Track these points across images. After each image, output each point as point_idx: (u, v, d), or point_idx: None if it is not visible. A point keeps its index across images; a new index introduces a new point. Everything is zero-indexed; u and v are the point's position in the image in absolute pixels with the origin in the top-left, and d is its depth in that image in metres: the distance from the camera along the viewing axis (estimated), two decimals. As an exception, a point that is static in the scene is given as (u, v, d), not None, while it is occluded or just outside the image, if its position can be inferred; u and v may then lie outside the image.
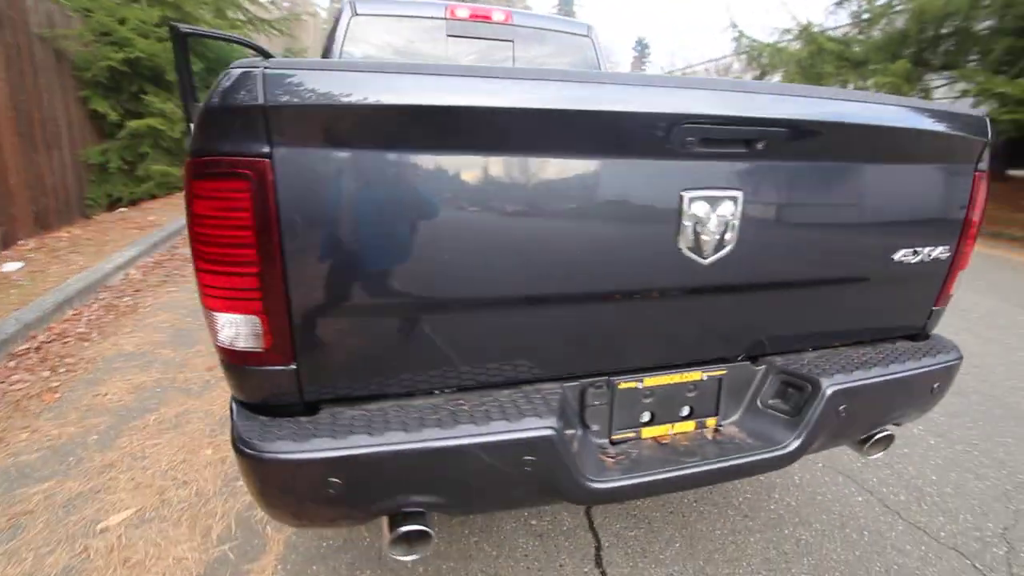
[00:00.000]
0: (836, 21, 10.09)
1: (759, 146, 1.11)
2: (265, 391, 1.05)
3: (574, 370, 1.24)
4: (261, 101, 0.85)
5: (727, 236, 1.15)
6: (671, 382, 1.32)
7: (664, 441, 1.33)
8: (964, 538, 1.93)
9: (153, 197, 7.35)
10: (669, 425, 1.35)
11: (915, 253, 1.39)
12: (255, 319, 0.97)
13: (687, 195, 1.10)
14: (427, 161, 0.97)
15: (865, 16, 9.25)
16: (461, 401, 1.13)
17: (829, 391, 1.30)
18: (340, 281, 0.98)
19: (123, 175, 6.71)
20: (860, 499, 2.12)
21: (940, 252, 1.42)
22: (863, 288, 1.42)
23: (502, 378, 1.19)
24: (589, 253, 1.10)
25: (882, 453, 1.54)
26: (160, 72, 6.77)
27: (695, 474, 1.23)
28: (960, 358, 1.53)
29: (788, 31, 10.31)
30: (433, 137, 0.95)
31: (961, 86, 7.73)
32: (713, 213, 1.13)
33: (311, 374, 1.03)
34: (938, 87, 8.71)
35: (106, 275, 4.12)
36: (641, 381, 1.29)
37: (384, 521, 1.11)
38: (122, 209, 6.63)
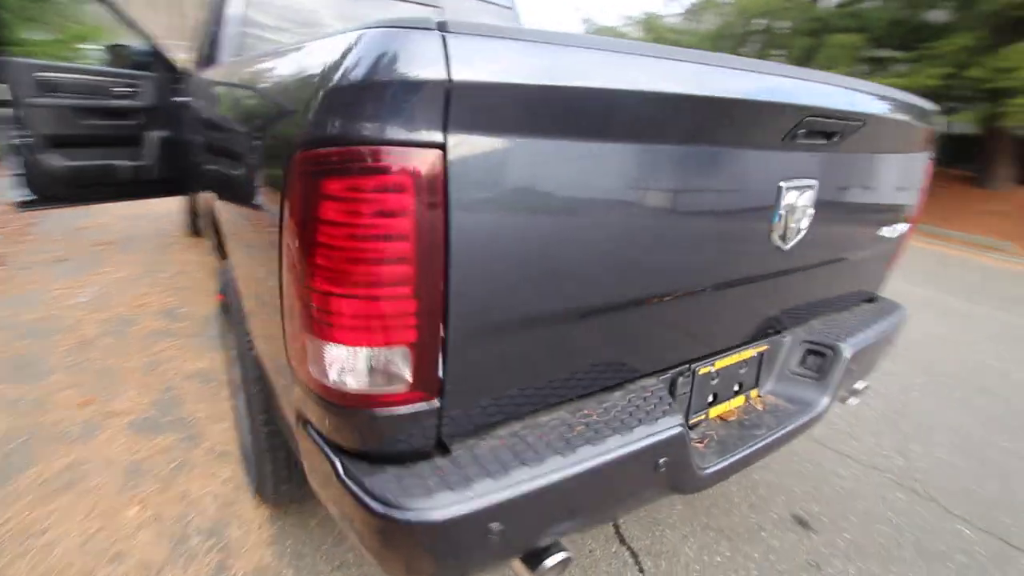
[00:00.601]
0: (673, 9, 11.23)
1: (835, 138, 1.19)
2: (392, 434, 0.85)
3: (670, 362, 1.22)
4: (444, 76, 0.65)
5: (803, 223, 1.22)
6: (732, 362, 1.38)
7: (729, 418, 1.39)
8: (876, 457, 2.37)
9: None
10: (728, 403, 1.42)
11: (893, 228, 1.63)
12: (403, 351, 0.77)
13: (784, 185, 1.13)
14: (618, 154, 0.86)
15: (692, 7, 10.43)
16: (586, 411, 1.05)
17: (847, 353, 1.48)
18: (506, 297, 0.82)
19: None
20: (794, 437, 2.48)
21: (902, 227, 1.69)
22: (858, 260, 1.62)
23: (607, 379, 1.13)
24: (709, 246, 1.09)
25: (857, 401, 1.81)
26: None
27: (768, 444, 1.31)
28: (906, 314, 1.85)
29: (631, 17, 11.20)
30: (617, 127, 0.83)
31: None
32: (799, 202, 1.18)
33: (453, 408, 0.86)
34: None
35: None
36: (713, 364, 1.33)
37: (515, 560, 0.99)
38: None
